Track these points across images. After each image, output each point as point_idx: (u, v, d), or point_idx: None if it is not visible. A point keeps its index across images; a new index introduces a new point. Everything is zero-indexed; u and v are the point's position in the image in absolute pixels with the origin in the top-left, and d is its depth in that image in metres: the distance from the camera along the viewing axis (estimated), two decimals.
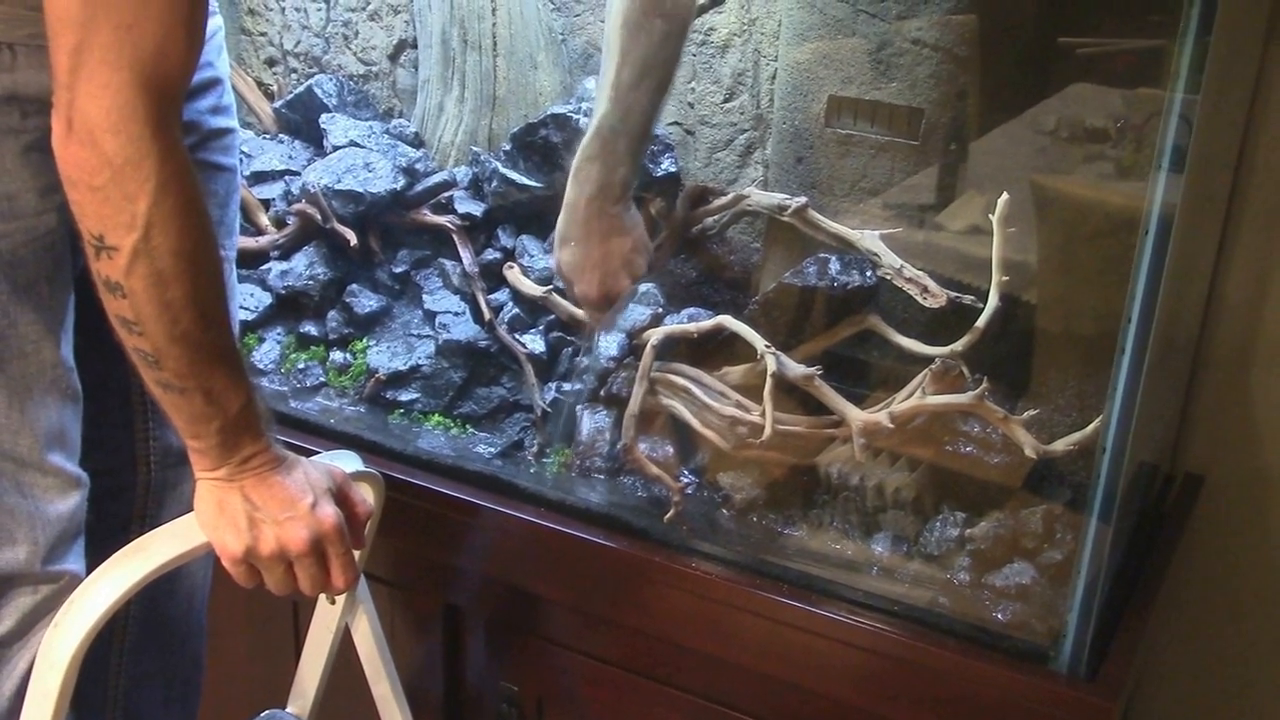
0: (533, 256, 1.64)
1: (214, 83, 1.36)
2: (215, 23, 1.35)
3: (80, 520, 1.25)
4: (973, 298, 1.39)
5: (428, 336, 1.65)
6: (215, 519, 1.10)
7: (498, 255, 1.67)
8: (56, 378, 1.20)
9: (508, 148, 1.67)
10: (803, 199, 1.52)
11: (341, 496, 1.16)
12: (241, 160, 1.84)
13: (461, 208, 1.70)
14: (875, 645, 1.25)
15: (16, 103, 1.11)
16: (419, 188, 1.72)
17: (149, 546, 1.12)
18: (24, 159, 1.12)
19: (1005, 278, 1.36)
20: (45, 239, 1.16)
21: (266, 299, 1.73)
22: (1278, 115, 1.50)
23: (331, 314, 1.71)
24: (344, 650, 1.38)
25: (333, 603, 1.35)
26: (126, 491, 1.42)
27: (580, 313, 1.57)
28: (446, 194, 1.72)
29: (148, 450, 1.37)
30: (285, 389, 1.66)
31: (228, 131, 1.38)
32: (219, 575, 1.48)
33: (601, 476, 1.50)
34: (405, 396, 1.61)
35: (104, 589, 1.09)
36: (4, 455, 1.17)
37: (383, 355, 1.64)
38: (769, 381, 1.38)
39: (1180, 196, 1.12)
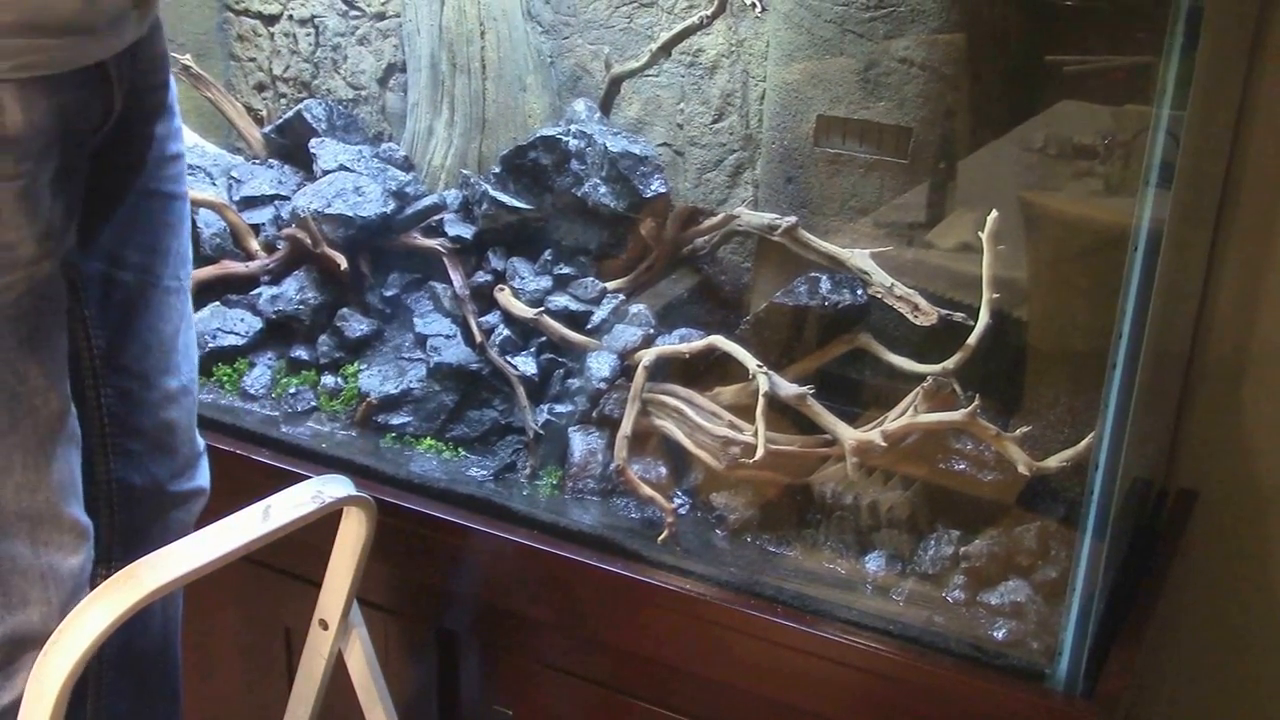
0: (523, 279, 1.64)
1: (171, 106, 1.32)
2: (160, 39, 1.29)
3: (88, 574, 1.22)
4: (964, 315, 1.39)
5: (419, 360, 1.64)
6: None
7: (488, 278, 1.67)
8: (64, 425, 1.17)
9: (497, 170, 1.67)
10: (793, 218, 1.52)
11: None
12: (231, 185, 1.84)
13: (452, 230, 1.70)
14: (871, 665, 1.25)
15: (9, 147, 1.06)
16: (409, 211, 1.72)
17: (138, 574, 1.10)
18: (19, 205, 1.08)
19: (996, 295, 1.36)
20: (43, 287, 1.13)
21: (257, 324, 1.73)
22: (1264, 129, 1.51)
23: (322, 338, 1.70)
24: (337, 677, 1.37)
25: (325, 628, 1.34)
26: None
27: (572, 334, 1.57)
28: (436, 217, 1.72)
29: (109, 491, 1.34)
30: (276, 414, 1.66)
31: (180, 157, 1.34)
32: (205, 604, 1.47)
33: (594, 498, 1.50)
34: (397, 420, 1.61)
35: (94, 617, 1.08)
36: (21, 515, 1.14)
37: (374, 379, 1.64)
38: (761, 401, 1.38)
39: (1169, 212, 1.12)
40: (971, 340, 1.37)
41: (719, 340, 1.47)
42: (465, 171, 1.75)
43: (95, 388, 1.30)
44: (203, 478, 1.40)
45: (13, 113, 1.06)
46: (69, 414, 1.18)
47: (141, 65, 1.24)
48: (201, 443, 1.41)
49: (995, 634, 1.27)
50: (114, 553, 1.36)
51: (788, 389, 1.40)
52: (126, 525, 1.35)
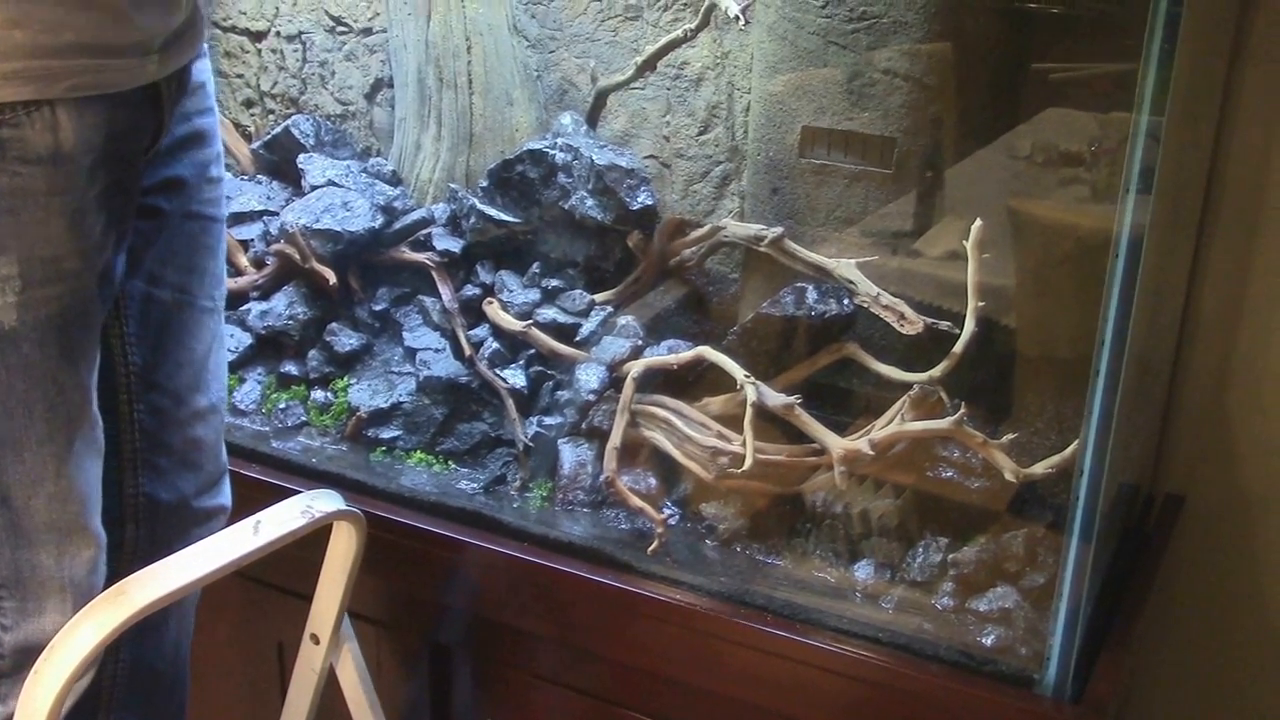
0: (512, 292, 1.64)
1: (214, 131, 1.34)
2: (206, 66, 1.34)
3: (100, 588, 1.23)
4: (949, 323, 1.40)
5: (408, 374, 1.65)
6: None
7: (477, 291, 1.67)
8: (94, 437, 1.18)
9: (485, 184, 1.68)
10: (779, 229, 1.53)
11: None
12: None
13: (440, 244, 1.70)
14: (861, 673, 1.25)
15: (62, 163, 1.07)
16: (397, 225, 1.73)
17: (128, 590, 1.11)
18: (67, 221, 1.09)
19: (982, 303, 1.37)
20: (84, 302, 1.14)
21: (246, 339, 1.73)
22: (1244, 133, 1.52)
23: (312, 353, 1.71)
24: (329, 691, 1.37)
25: (317, 642, 1.34)
26: (113, 550, 1.40)
27: (561, 346, 1.57)
28: (425, 231, 1.72)
29: (135, 507, 1.34)
30: (267, 429, 1.66)
31: (220, 181, 1.36)
32: (197, 620, 1.47)
33: (585, 510, 1.50)
34: (387, 434, 1.61)
35: (85, 634, 1.08)
36: (50, 526, 1.15)
37: (364, 393, 1.64)
38: (749, 411, 1.38)
39: (1150, 218, 1.12)
40: (957, 348, 1.37)
41: (707, 351, 1.48)
42: (453, 185, 1.75)
43: (129, 403, 1.31)
44: (225, 495, 1.41)
45: (67, 131, 1.07)
46: (98, 427, 1.19)
47: (189, 89, 1.25)
48: (226, 461, 1.42)
49: (984, 640, 1.27)
50: (134, 568, 1.37)
51: (775, 399, 1.40)
52: (149, 540, 1.36)
